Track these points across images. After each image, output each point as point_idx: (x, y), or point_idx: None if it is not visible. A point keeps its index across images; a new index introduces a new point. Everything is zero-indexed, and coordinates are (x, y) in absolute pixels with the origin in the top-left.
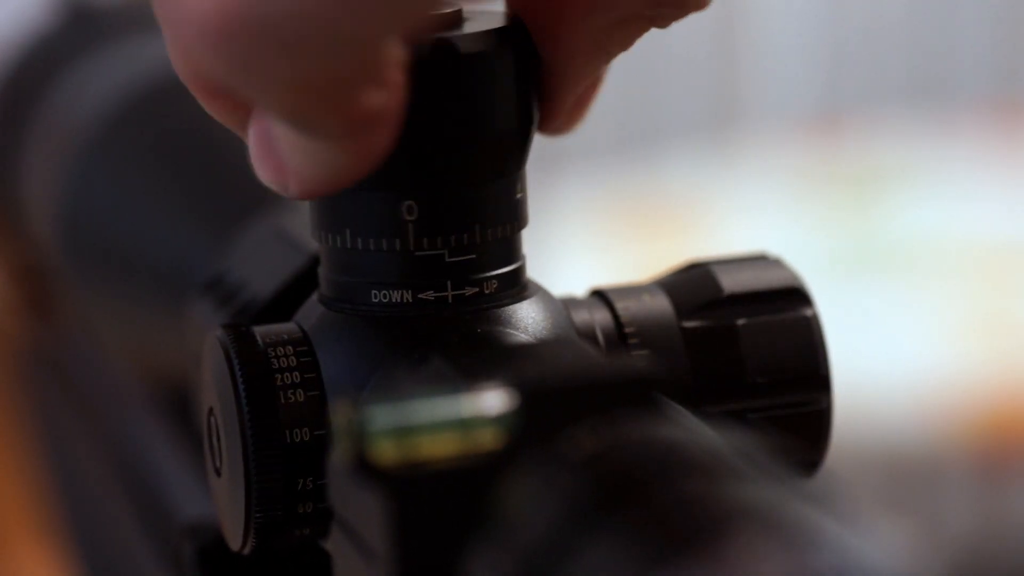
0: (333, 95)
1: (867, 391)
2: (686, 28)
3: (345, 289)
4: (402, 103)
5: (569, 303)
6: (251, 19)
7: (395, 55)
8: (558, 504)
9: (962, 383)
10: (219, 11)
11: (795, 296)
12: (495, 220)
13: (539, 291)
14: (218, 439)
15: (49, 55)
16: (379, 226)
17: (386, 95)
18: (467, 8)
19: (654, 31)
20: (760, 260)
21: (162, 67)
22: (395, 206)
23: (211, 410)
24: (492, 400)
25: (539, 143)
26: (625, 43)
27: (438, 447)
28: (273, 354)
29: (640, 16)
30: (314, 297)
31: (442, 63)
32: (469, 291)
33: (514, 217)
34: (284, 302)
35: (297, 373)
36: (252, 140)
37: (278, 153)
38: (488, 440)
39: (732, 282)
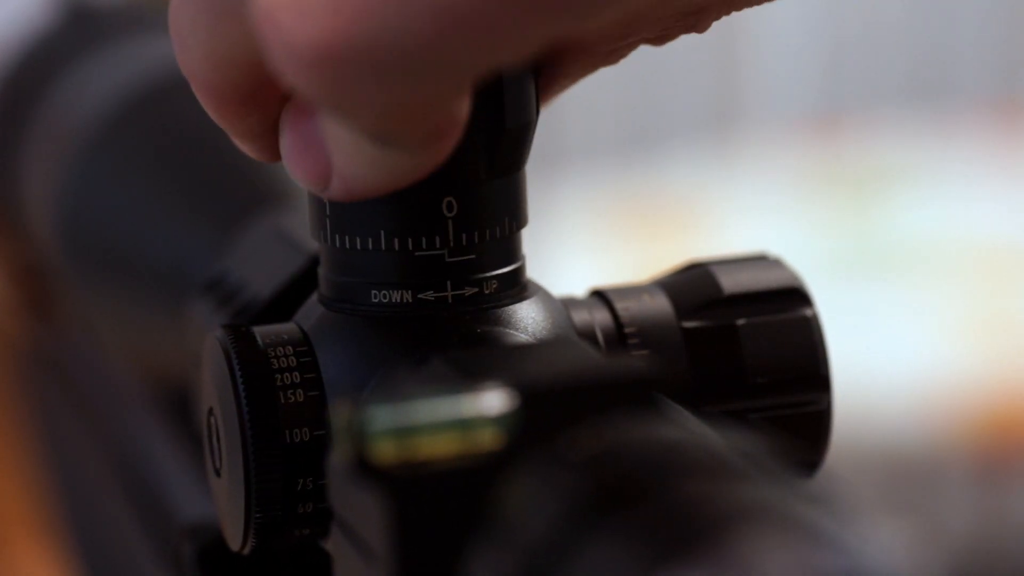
0: (422, 114)
1: (867, 391)
2: None
3: (345, 289)
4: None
5: (569, 303)
6: (358, 45)
7: None
8: (558, 504)
9: (962, 383)
10: (325, 36)
11: (795, 296)
12: (495, 220)
13: (539, 291)
14: (218, 439)
15: (49, 55)
16: (380, 226)
17: (464, 106)
18: None
19: None
20: (760, 260)
21: (162, 67)
22: (396, 206)
23: (211, 410)
24: (492, 400)
25: (539, 143)
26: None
27: (438, 447)
28: (273, 354)
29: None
30: (314, 297)
31: None
32: (469, 291)
33: (514, 216)
34: (284, 302)
35: (297, 373)
36: (289, 138)
37: (323, 153)
38: (488, 440)
39: (732, 282)
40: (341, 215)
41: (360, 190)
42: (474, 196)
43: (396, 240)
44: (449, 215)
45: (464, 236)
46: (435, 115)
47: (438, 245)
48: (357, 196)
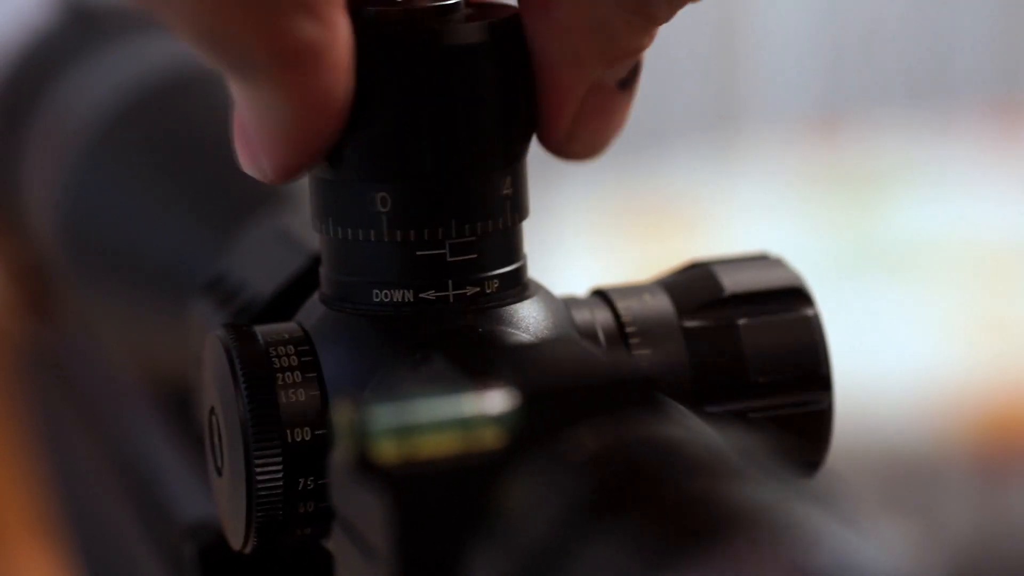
0: (254, 17)
1: (868, 391)
2: (687, 28)
3: (346, 288)
4: (343, 46)
5: (570, 303)
6: None
7: None
8: (559, 504)
9: (962, 383)
10: None
11: (796, 296)
12: (495, 216)
13: (540, 291)
14: (219, 439)
15: (49, 55)
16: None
17: (319, 28)
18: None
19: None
20: (761, 260)
21: (162, 67)
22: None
23: (212, 410)
24: (493, 399)
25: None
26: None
27: (439, 446)
28: (274, 354)
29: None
30: (315, 297)
31: (426, 54)
32: (470, 290)
33: (514, 212)
34: (285, 302)
35: (298, 373)
36: (234, 135)
37: (249, 137)
38: (489, 439)
39: (733, 282)
40: (341, 207)
41: (282, 162)
42: (474, 186)
43: (398, 232)
44: (451, 206)
45: (467, 227)
46: (272, 24)
47: (440, 236)
48: (287, 172)
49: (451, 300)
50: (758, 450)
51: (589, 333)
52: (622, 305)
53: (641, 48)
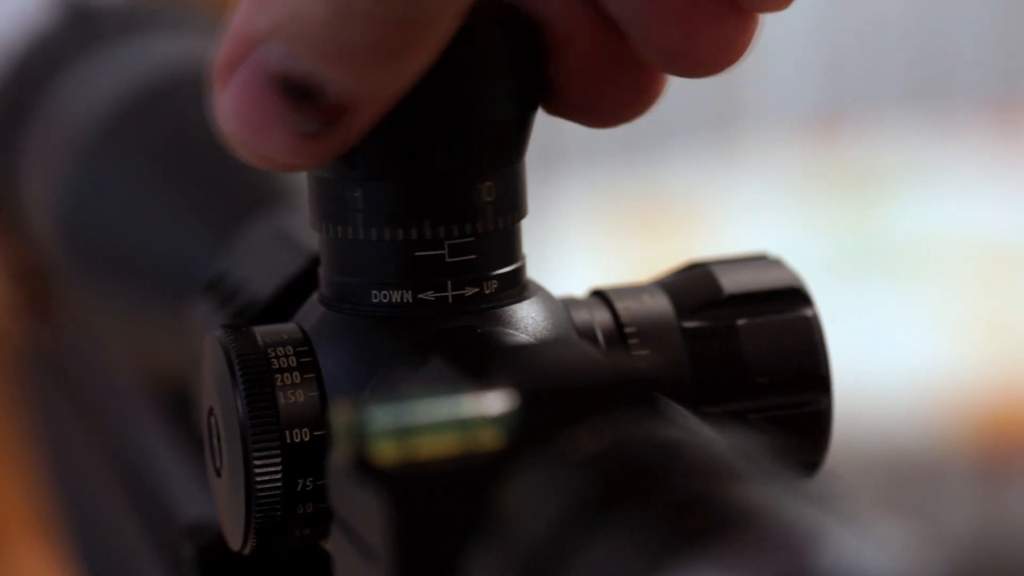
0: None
1: (868, 391)
2: None
3: (345, 289)
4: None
5: (569, 303)
6: None
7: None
8: (558, 505)
9: (962, 383)
10: None
11: (795, 296)
12: (495, 216)
13: (539, 291)
14: (218, 439)
15: (49, 55)
16: (380, 219)
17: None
18: None
19: None
20: (760, 260)
21: (163, 67)
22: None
23: (211, 410)
24: (492, 400)
25: (539, 143)
26: None
27: (438, 447)
28: (273, 354)
29: None
30: (314, 297)
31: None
32: (469, 291)
33: (514, 211)
34: (284, 302)
35: (297, 373)
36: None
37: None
38: (488, 440)
39: (732, 282)
40: (342, 206)
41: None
42: (473, 185)
43: (400, 231)
44: (451, 204)
45: (466, 227)
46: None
47: (439, 236)
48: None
49: (450, 301)
50: (758, 451)
51: (588, 334)
52: (621, 306)
53: None
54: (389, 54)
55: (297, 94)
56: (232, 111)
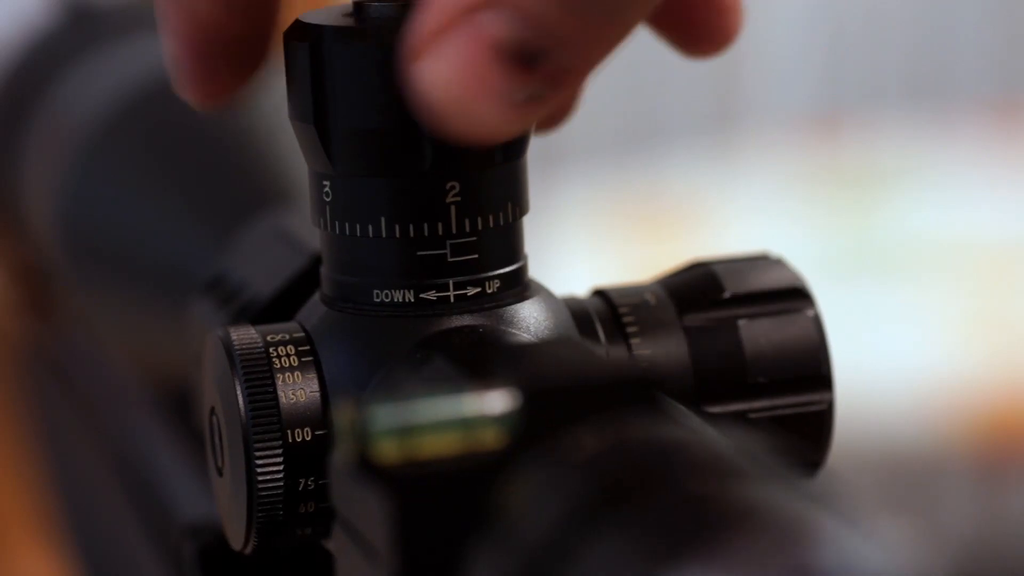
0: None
1: (868, 391)
2: None
3: (347, 289)
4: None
5: (571, 303)
6: None
7: None
8: (560, 504)
9: (962, 383)
10: None
11: (797, 296)
12: (497, 206)
13: (541, 291)
14: (220, 439)
15: (49, 55)
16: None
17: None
18: None
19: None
20: (762, 260)
21: (162, 67)
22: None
23: (212, 410)
24: (494, 400)
25: (540, 143)
26: None
27: (440, 447)
28: (275, 354)
29: None
30: (316, 297)
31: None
32: (471, 291)
33: (515, 209)
34: (285, 302)
35: (299, 373)
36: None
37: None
38: (490, 440)
39: (734, 282)
40: (344, 204)
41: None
42: (476, 181)
43: (397, 227)
44: (452, 200)
45: (467, 222)
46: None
47: (440, 232)
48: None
49: (452, 300)
50: (759, 450)
51: (590, 333)
52: (623, 305)
53: None
54: (613, 11)
55: (524, 60)
56: (445, 80)
